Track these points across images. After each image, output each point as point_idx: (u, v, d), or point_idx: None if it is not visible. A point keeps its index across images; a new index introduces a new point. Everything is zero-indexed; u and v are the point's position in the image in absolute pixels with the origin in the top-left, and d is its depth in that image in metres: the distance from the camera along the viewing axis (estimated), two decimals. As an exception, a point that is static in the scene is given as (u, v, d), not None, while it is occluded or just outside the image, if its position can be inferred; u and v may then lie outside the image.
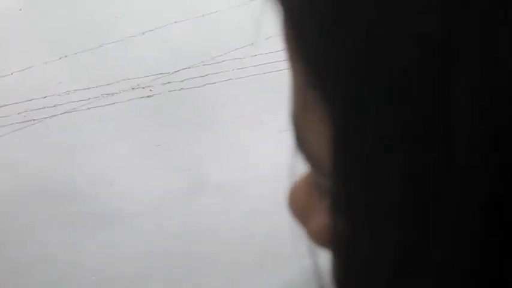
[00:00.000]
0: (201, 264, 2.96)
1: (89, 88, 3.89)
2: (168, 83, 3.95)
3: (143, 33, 4.26)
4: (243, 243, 3.03)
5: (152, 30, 4.28)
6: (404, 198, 0.28)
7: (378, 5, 0.27)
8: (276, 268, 2.90)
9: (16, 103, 3.82)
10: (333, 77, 0.29)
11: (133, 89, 3.89)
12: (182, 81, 3.96)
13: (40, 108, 3.79)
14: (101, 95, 3.85)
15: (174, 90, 3.91)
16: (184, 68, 4.03)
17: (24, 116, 3.76)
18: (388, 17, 0.27)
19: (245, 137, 3.57)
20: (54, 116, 3.76)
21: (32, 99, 3.84)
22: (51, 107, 3.79)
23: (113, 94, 3.87)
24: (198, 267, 2.95)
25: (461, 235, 0.27)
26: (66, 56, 4.12)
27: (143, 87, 3.92)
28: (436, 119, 0.27)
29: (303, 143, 0.34)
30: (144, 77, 3.98)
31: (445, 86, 0.27)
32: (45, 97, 3.85)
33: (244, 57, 4.06)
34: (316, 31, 0.30)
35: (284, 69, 3.93)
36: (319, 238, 0.37)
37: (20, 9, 4.56)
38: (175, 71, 4.01)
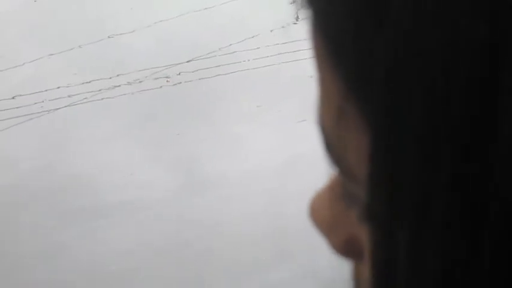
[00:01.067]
0: (201, 258, 2.96)
1: (90, 82, 3.89)
2: (180, 73, 3.95)
3: (136, 29, 4.26)
4: (244, 238, 3.04)
5: (148, 26, 4.28)
6: (449, 209, 0.27)
7: (416, 11, 0.27)
8: (276, 264, 2.91)
9: (32, 93, 3.82)
10: (371, 85, 0.29)
11: (140, 81, 3.89)
12: (194, 71, 3.97)
13: (54, 99, 3.80)
14: (101, 89, 3.85)
15: (180, 83, 3.92)
16: (188, 61, 4.03)
17: (41, 106, 3.77)
18: (428, 22, 0.27)
19: (247, 131, 3.58)
20: (54, 110, 3.76)
21: (46, 90, 3.85)
22: (53, 99, 3.80)
23: (117, 86, 3.87)
24: (197, 262, 2.95)
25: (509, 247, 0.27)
26: (78, 47, 4.13)
27: (156, 78, 3.92)
28: (482, 126, 0.26)
29: (334, 151, 0.33)
30: (153, 68, 3.98)
31: (492, 92, 0.26)
32: (56, 88, 3.85)
33: (244, 50, 4.06)
34: (353, 39, 0.29)
35: (286, 61, 3.95)
36: (344, 250, 0.37)
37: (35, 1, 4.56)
38: (186, 61, 4.01)
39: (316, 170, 3.25)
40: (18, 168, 3.41)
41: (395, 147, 0.28)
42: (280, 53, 4.06)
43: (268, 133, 3.54)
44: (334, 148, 0.33)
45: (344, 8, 0.29)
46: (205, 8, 4.41)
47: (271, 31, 4.21)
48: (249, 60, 4.05)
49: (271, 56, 4.06)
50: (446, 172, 0.27)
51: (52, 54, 4.09)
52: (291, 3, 4.43)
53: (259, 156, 3.41)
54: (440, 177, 0.27)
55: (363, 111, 0.30)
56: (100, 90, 3.84)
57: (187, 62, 4.01)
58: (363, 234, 0.34)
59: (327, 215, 0.37)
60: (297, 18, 4.34)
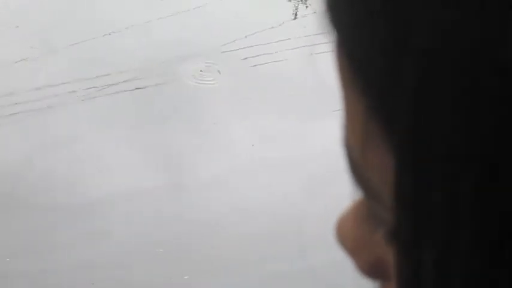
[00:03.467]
0: (192, 257, 2.97)
1: (78, 80, 3.89)
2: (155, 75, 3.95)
3: (129, 27, 4.25)
4: (233, 237, 3.04)
5: (138, 25, 4.27)
6: (476, 231, 0.27)
7: (438, 31, 0.27)
8: (269, 263, 2.92)
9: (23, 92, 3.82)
10: (395, 106, 0.29)
11: (125, 81, 3.89)
12: (187, 70, 3.96)
13: (41, 98, 3.79)
14: (89, 88, 3.85)
15: (159, 84, 3.91)
16: (179, 61, 4.03)
17: (28, 104, 3.76)
18: (451, 41, 0.27)
19: (236, 131, 3.58)
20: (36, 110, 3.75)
21: (35, 89, 3.84)
22: (35, 101, 3.79)
23: (109, 85, 3.87)
24: (189, 259, 2.96)
25: None
26: (69, 45, 4.12)
27: (148, 77, 3.92)
28: (510, 145, 0.26)
29: (359, 172, 0.33)
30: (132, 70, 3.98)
31: None
32: (44, 86, 3.84)
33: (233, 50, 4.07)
34: (377, 60, 0.29)
35: (273, 61, 3.95)
36: (370, 271, 0.36)
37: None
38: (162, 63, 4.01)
39: (305, 171, 3.27)
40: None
41: (420, 168, 0.28)
42: (277, 51, 4.06)
43: (263, 133, 3.55)
44: (358, 169, 0.33)
45: (368, 30, 0.29)
46: (198, 7, 4.41)
47: (270, 28, 4.21)
48: (246, 58, 4.05)
49: (267, 54, 4.06)
50: (474, 193, 0.27)
51: (40, 53, 4.08)
52: (289, 1, 4.43)
53: (250, 156, 3.42)
54: (467, 198, 0.27)
55: (387, 132, 0.30)
56: (88, 88, 3.83)
57: (178, 61, 4.01)
58: (389, 256, 0.34)
59: (353, 236, 0.37)
60: (295, 16, 4.34)
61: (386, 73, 0.29)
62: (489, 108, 0.26)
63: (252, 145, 3.47)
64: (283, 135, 3.51)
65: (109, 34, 4.19)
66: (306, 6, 4.36)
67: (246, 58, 4.04)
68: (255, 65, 3.99)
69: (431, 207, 0.28)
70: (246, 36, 4.14)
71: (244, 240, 3.03)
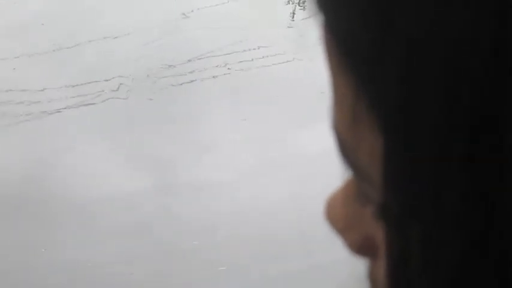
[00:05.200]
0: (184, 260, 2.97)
1: (69, 86, 3.88)
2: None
3: (121, 35, 4.24)
4: (226, 242, 3.04)
5: (130, 33, 4.26)
6: (462, 207, 0.28)
7: (423, 11, 0.27)
8: (260, 266, 2.92)
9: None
10: (382, 86, 0.29)
11: (113, 91, 3.88)
12: (177, 76, 3.96)
13: (32, 103, 3.79)
14: (80, 95, 3.84)
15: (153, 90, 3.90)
16: (169, 66, 4.02)
17: (21, 110, 3.75)
18: (436, 21, 0.27)
19: (227, 135, 3.58)
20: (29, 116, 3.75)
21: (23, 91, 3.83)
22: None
23: (90, 94, 3.86)
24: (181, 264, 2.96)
25: None
26: (58, 49, 4.11)
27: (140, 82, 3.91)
28: (494, 123, 0.27)
29: (348, 153, 0.34)
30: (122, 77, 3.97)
31: (501, 88, 0.27)
32: (35, 92, 3.84)
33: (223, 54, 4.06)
34: (364, 41, 0.29)
35: (271, 64, 3.94)
36: (360, 249, 0.37)
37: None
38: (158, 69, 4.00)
39: (292, 174, 3.26)
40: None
41: (408, 147, 0.29)
42: (275, 55, 4.06)
43: (255, 137, 3.55)
44: (348, 149, 0.33)
45: (354, 9, 0.30)
46: (196, 9, 4.40)
47: (267, 30, 4.21)
48: (240, 61, 4.04)
49: (264, 57, 4.06)
50: (459, 170, 0.28)
51: (31, 56, 4.08)
52: (287, 4, 4.43)
53: (242, 160, 3.42)
54: (453, 175, 0.28)
55: (375, 112, 0.30)
56: (79, 95, 3.83)
57: (169, 66, 4.00)
58: (378, 233, 0.34)
59: (342, 215, 0.38)
60: (293, 18, 4.34)
61: (373, 54, 0.29)
62: (474, 89, 0.27)
63: (249, 147, 3.47)
64: (281, 137, 3.51)
65: (96, 40, 4.19)
66: (303, 9, 4.36)
67: (240, 61, 4.03)
68: (250, 68, 3.99)
69: (418, 185, 0.29)
70: (241, 40, 4.13)
71: (245, 242, 3.02)
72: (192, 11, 4.39)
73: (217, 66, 4.01)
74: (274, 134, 3.54)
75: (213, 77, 3.95)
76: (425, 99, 0.28)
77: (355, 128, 0.32)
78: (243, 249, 2.99)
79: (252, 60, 4.03)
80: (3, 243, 3.07)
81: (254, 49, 4.08)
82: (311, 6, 0.33)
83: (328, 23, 0.32)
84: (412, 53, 0.28)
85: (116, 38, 4.20)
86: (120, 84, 3.89)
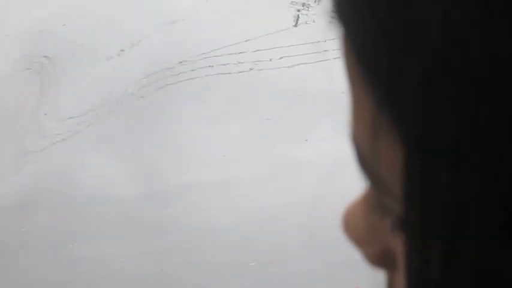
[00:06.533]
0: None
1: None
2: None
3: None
4: (222, 244, 3.04)
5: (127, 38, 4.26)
6: (483, 219, 0.28)
7: (444, 26, 0.27)
8: (257, 271, 2.92)
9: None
10: (403, 100, 0.29)
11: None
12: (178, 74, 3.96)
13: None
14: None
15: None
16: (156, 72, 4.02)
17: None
18: (456, 37, 0.27)
19: (236, 135, 3.57)
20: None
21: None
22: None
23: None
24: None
25: None
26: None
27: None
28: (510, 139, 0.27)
29: (367, 165, 0.34)
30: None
31: None
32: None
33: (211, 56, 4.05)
34: (384, 55, 0.30)
35: (273, 68, 3.95)
36: (378, 261, 0.37)
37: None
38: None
39: (310, 173, 3.27)
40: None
41: (428, 160, 0.29)
42: (278, 58, 4.05)
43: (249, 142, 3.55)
44: (367, 162, 0.34)
45: (375, 25, 0.30)
46: (194, 10, 4.39)
47: (271, 34, 4.20)
48: (242, 62, 4.04)
49: (267, 60, 4.05)
50: (479, 184, 0.28)
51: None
52: (291, 5, 4.41)
53: (253, 160, 3.42)
54: (474, 188, 0.28)
55: (395, 125, 0.30)
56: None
57: (174, 65, 4.00)
58: (397, 245, 0.34)
59: (361, 226, 0.38)
60: (297, 22, 4.33)
61: (393, 70, 0.29)
62: (494, 104, 0.27)
63: (253, 150, 3.47)
64: (282, 141, 3.51)
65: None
66: (307, 13, 4.35)
67: (242, 62, 4.03)
68: (251, 69, 3.98)
69: (439, 198, 0.29)
70: (246, 40, 4.12)
71: (248, 243, 3.03)
72: (195, 10, 4.39)
73: (220, 68, 4.01)
74: (275, 138, 3.53)
75: (215, 77, 3.95)
76: (445, 112, 0.28)
77: (375, 140, 0.32)
78: (244, 250, 2.98)
79: (255, 62, 4.02)
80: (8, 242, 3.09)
81: (254, 51, 4.07)
82: (331, 21, 0.33)
83: (348, 36, 0.32)
84: (431, 66, 0.28)
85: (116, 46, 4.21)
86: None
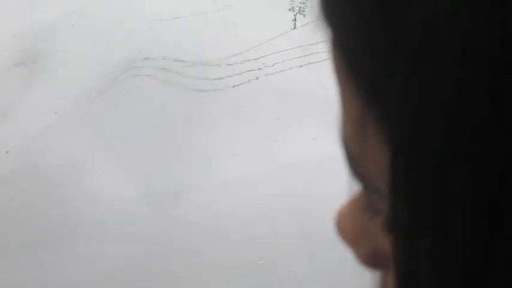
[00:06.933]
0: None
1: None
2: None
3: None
4: (220, 246, 3.05)
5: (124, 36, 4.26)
6: (470, 218, 0.28)
7: (430, 24, 0.28)
8: (259, 272, 2.92)
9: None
10: (389, 99, 0.29)
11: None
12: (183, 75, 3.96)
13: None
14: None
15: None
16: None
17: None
18: (444, 34, 0.27)
19: (239, 138, 3.58)
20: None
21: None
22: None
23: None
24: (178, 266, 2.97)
25: None
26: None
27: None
28: (501, 137, 0.27)
29: (355, 165, 0.34)
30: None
31: (504, 101, 0.27)
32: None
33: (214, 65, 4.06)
34: (370, 53, 0.30)
35: (274, 72, 3.96)
36: (369, 261, 0.37)
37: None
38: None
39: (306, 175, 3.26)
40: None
41: (415, 159, 0.29)
42: (278, 62, 4.06)
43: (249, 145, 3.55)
44: (355, 161, 0.34)
45: (360, 22, 0.30)
46: (194, 14, 4.40)
47: (270, 38, 4.21)
48: (242, 62, 4.04)
49: (267, 65, 4.06)
50: (466, 182, 0.28)
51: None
52: (289, 11, 4.43)
53: (254, 162, 3.43)
54: (460, 187, 0.28)
55: (382, 124, 0.30)
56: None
57: (177, 70, 4.00)
58: (388, 246, 0.34)
59: (352, 227, 0.38)
60: (295, 26, 4.34)
61: (379, 71, 0.29)
62: (479, 101, 0.27)
63: (255, 152, 3.47)
64: (284, 142, 3.51)
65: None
66: (304, 16, 4.36)
67: (241, 62, 4.03)
68: (250, 70, 3.99)
69: (425, 197, 0.29)
70: (249, 49, 4.13)
71: (248, 244, 3.03)
72: (195, 15, 4.39)
73: (220, 73, 4.01)
74: (277, 140, 3.54)
75: (217, 82, 3.96)
76: (432, 113, 0.28)
77: (363, 140, 0.32)
78: (245, 252, 2.99)
79: (257, 66, 4.03)
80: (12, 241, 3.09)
81: (259, 56, 4.08)
82: (319, 21, 0.33)
83: (336, 38, 0.32)
84: (419, 68, 0.28)
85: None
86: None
